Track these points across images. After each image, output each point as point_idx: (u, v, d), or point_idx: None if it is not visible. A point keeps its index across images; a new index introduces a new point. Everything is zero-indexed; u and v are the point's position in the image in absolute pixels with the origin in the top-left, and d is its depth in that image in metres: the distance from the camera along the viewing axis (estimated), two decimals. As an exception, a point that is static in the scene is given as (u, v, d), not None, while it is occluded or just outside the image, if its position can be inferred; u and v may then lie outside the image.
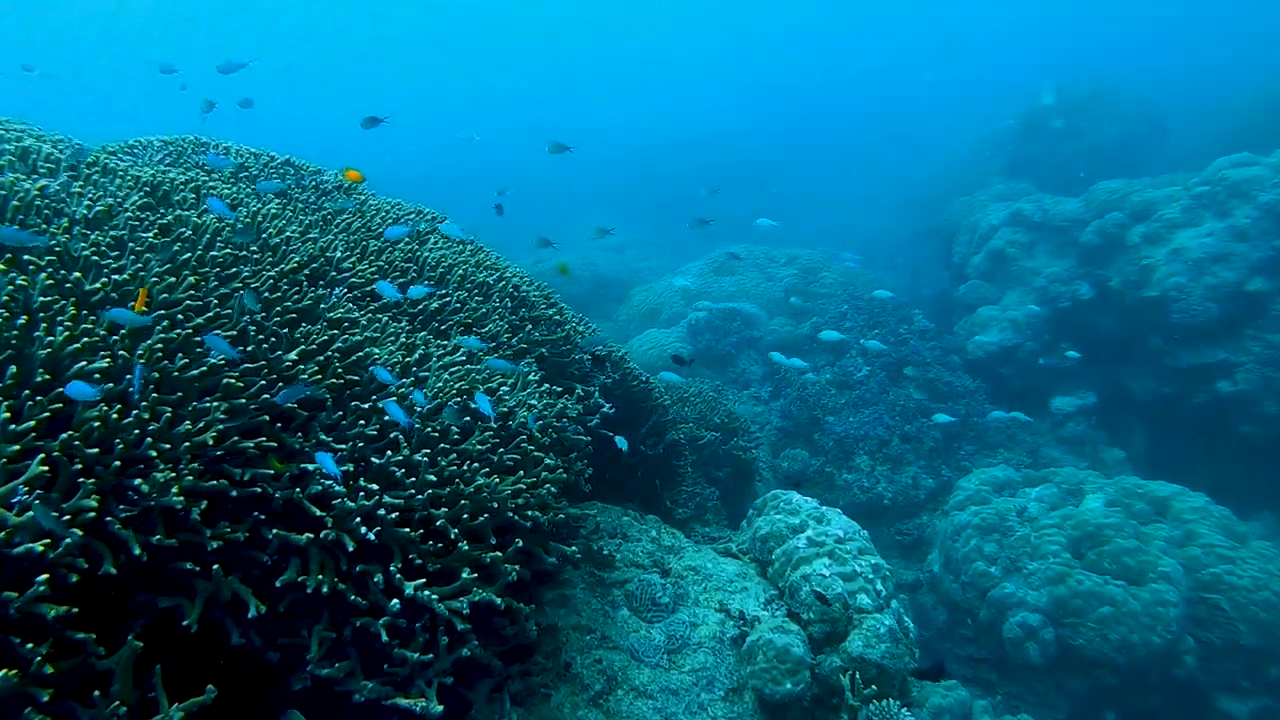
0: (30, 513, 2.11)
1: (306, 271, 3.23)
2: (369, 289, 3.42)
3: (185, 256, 2.88)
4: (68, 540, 2.14)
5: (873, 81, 38.36)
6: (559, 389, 3.78)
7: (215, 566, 2.47)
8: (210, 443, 2.49)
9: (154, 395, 2.47)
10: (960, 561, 7.14)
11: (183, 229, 3.03)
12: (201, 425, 2.51)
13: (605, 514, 4.75)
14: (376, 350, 3.13)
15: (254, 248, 3.13)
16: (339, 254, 3.44)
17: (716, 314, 11.94)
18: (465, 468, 3.00)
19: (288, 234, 3.37)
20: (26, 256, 2.58)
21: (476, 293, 3.82)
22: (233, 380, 2.64)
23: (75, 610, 2.14)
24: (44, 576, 2.08)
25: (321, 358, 2.94)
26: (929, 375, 10.59)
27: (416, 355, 3.22)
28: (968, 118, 21.31)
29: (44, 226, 2.74)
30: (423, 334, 3.39)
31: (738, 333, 11.80)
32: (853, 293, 12.68)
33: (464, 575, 2.81)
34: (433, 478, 2.89)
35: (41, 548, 2.10)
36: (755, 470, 8.00)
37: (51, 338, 2.37)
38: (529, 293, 4.25)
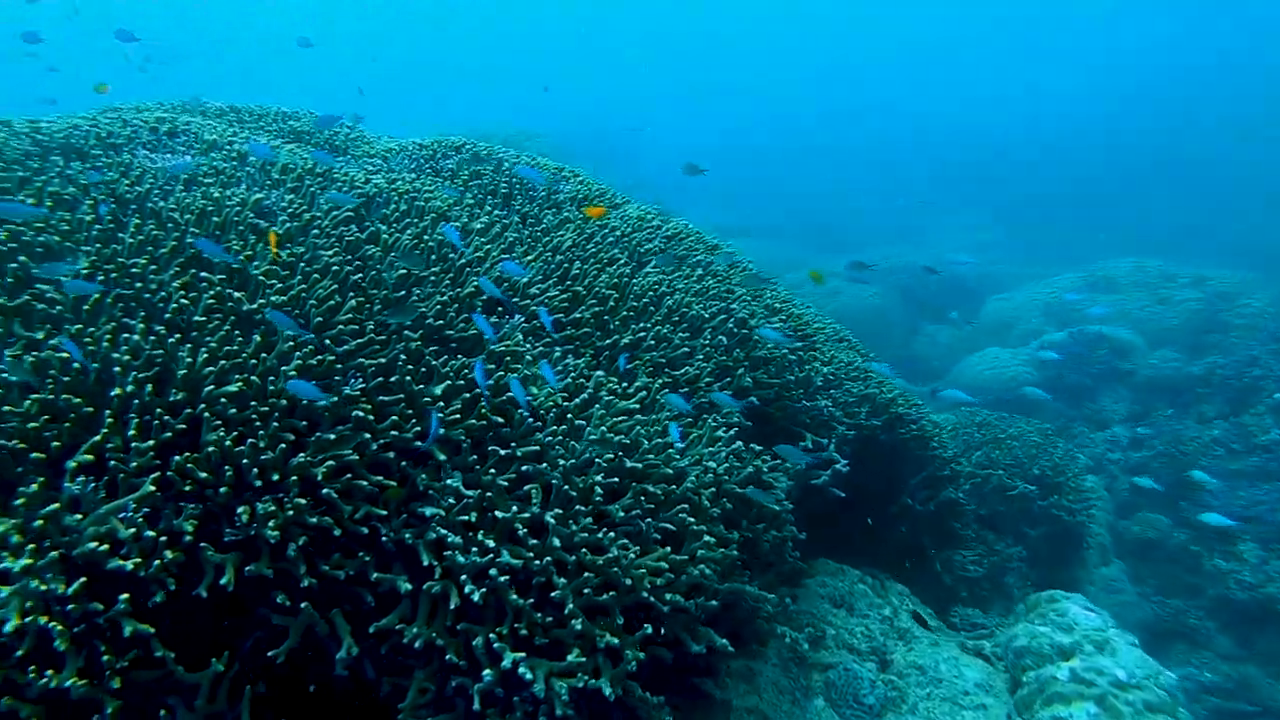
0: (131, 529, 2.20)
1: (485, 297, 3.09)
2: (552, 318, 3.21)
3: (356, 278, 2.86)
4: (157, 561, 2.20)
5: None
6: (754, 447, 3.28)
7: (304, 604, 2.42)
8: (320, 478, 2.43)
9: (278, 422, 2.47)
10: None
11: (370, 247, 3.03)
12: (319, 458, 2.47)
13: (839, 576, 4.15)
14: (535, 390, 2.90)
15: (436, 268, 3.06)
16: (529, 277, 3.27)
17: (1079, 337, 10.25)
18: (602, 535, 2.66)
19: (480, 254, 3.27)
20: (203, 273, 2.73)
21: (683, 327, 3.44)
22: (364, 412, 2.57)
23: (152, 630, 2.19)
24: (124, 596, 2.15)
25: (469, 395, 2.78)
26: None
27: (580, 399, 2.94)
28: None
29: (236, 243, 2.88)
30: (599, 374, 3.10)
31: (1103, 362, 10.03)
32: (1280, 332, 10.13)
33: (570, 657, 2.49)
34: (558, 542, 2.60)
35: (131, 566, 2.17)
36: (1083, 534, 6.69)
37: (191, 359, 2.45)
38: (761, 330, 3.76)
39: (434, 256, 3.16)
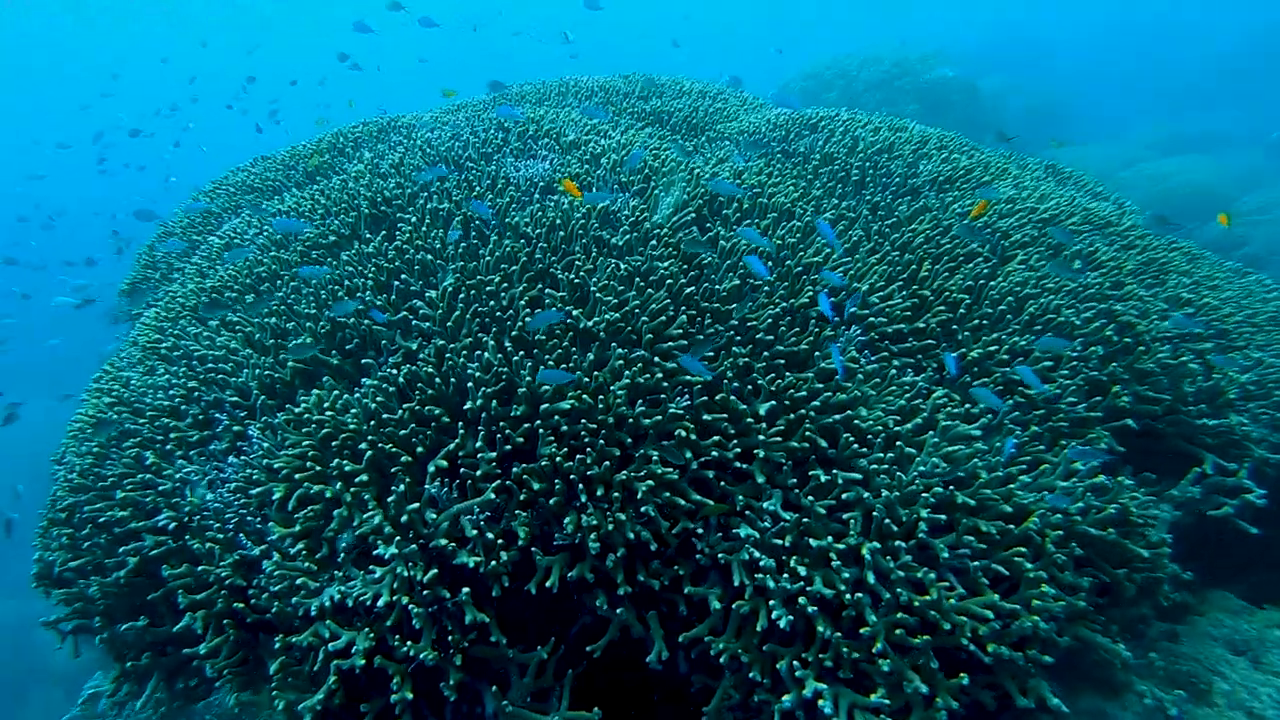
0: (475, 530, 2.53)
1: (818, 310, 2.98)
2: (893, 329, 3.00)
3: (689, 291, 2.92)
4: (494, 561, 2.51)
5: None
6: (1123, 480, 2.82)
7: (619, 610, 2.59)
8: (641, 494, 2.56)
9: (605, 438, 2.64)
10: None
11: (707, 253, 3.07)
12: (643, 473, 2.61)
13: (1243, 616, 3.47)
14: (864, 412, 2.76)
15: (770, 277, 3.01)
16: (869, 283, 3.07)
17: None
18: (922, 574, 2.50)
19: (819, 257, 3.14)
20: (548, 289, 2.96)
21: (1049, 336, 3.01)
22: (686, 431, 2.65)
23: (487, 619, 2.51)
24: (467, 590, 2.48)
25: (793, 415, 2.73)
26: None
27: (914, 423, 2.75)
28: None
29: (580, 257, 3.08)
30: (940, 391, 2.86)
31: None
32: None
33: (875, 696, 2.41)
34: (873, 577, 2.49)
35: (474, 563, 2.50)
36: None
37: (531, 376, 2.70)
38: (1150, 332, 3.20)
39: (770, 263, 3.11)
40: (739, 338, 2.87)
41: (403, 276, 3.04)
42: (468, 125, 4.07)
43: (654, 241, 3.11)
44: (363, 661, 2.48)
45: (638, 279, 2.94)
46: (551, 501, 2.58)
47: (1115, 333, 3.11)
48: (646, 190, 3.44)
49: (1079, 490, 2.73)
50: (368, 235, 3.32)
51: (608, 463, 2.59)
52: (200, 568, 2.70)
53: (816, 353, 2.88)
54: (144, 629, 2.87)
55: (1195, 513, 3.15)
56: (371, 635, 2.48)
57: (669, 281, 2.94)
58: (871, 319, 2.98)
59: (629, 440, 2.68)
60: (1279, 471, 3.42)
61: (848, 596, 2.49)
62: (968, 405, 2.86)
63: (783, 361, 2.87)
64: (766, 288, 3.00)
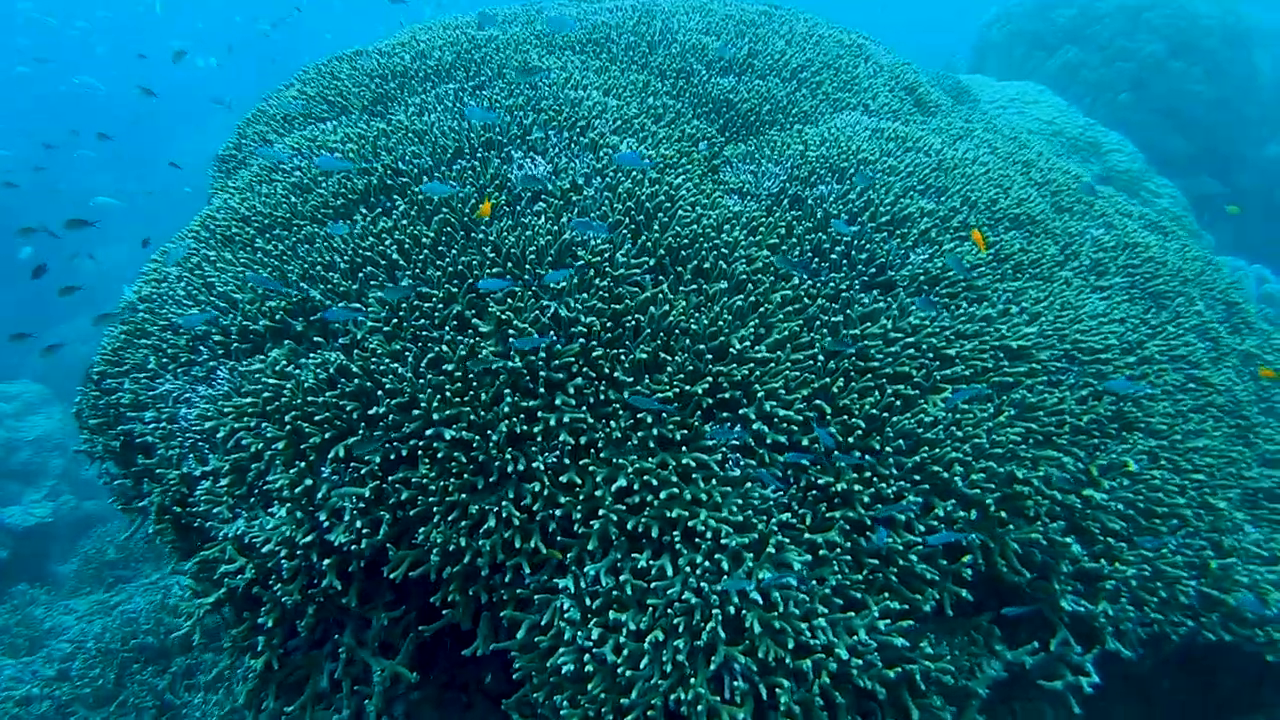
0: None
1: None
2: (772, 440, 3.18)
3: (597, 355, 3.20)
4: (355, 546, 3.06)
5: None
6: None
7: (447, 611, 3.12)
8: (487, 525, 3.01)
9: (474, 469, 3.07)
10: None
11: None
12: (493, 509, 3.04)
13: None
14: (703, 514, 3.04)
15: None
16: (775, 397, 3.23)
17: None
18: (691, 674, 2.87)
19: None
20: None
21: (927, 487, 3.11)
22: (543, 482, 3.03)
23: (339, 585, 3.10)
24: (330, 559, 3.07)
25: (637, 499, 3.05)
26: None
27: (746, 538, 3.01)
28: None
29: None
30: (784, 517, 3.08)
31: None
32: None
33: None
34: (646, 660, 2.88)
35: (341, 540, 3.06)
36: None
37: (428, 403, 3.12)
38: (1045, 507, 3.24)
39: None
40: (623, 411, 3.15)
41: (368, 269, 3.45)
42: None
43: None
44: (244, 583, 3.16)
45: (557, 330, 3.24)
46: (413, 512, 3.07)
47: (998, 503, 3.18)
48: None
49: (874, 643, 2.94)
50: (363, 211, 3.71)
51: (465, 494, 3.04)
52: (158, 470, 3.41)
53: (693, 441, 3.14)
54: (131, 488, 3.67)
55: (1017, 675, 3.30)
56: (253, 570, 3.13)
57: (583, 340, 3.23)
58: (759, 427, 3.18)
59: (494, 478, 3.09)
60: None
61: (622, 670, 2.89)
62: (814, 535, 3.07)
63: (653, 442, 3.15)
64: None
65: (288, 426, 3.15)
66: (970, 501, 3.18)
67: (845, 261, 3.68)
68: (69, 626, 7.50)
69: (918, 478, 3.17)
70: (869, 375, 3.35)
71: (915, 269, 3.71)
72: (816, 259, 3.68)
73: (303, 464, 3.11)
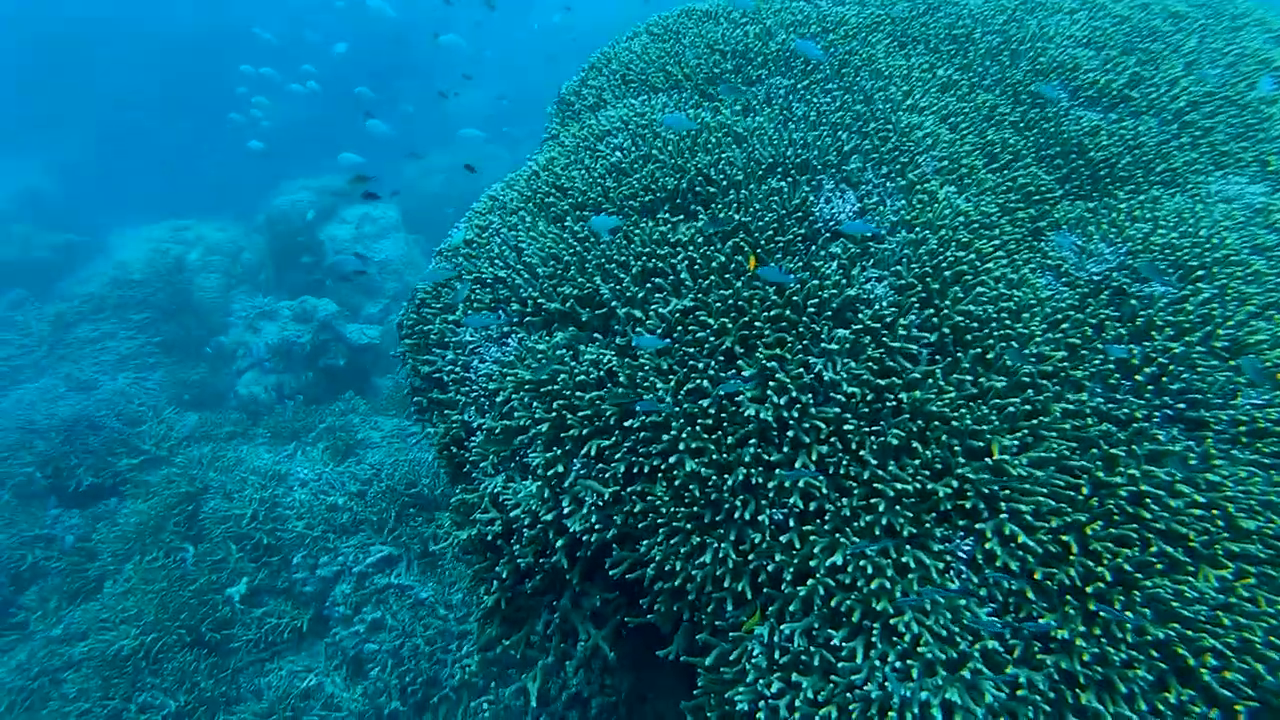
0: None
1: None
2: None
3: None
4: (587, 536, 3.38)
5: None
6: None
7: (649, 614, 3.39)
8: (694, 576, 3.21)
9: (705, 504, 3.24)
10: None
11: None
12: (713, 555, 3.22)
13: None
14: (882, 604, 3.04)
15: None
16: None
17: None
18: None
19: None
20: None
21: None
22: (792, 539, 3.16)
23: (566, 563, 3.44)
24: (564, 540, 3.41)
25: (828, 581, 3.09)
26: None
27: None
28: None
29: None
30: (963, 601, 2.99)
31: None
32: None
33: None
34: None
35: (577, 528, 3.39)
36: None
37: (678, 433, 3.28)
38: None
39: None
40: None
41: (655, 280, 3.61)
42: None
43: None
44: (492, 534, 3.62)
45: (817, 390, 3.26)
46: (641, 525, 3.32)
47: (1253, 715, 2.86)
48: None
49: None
50: (667, 213, 3.83)
51: (690, 524, 3.23)
52: (445, 410, 3.92)
53: (921, 539, 3.10)
54: (426, 406, 4.26)
55: None
56: (500, 525, 3.57)
57: (838, 409, 3.23)
58: (993, 546, 3.06)
59: (720, 516, 3.25)
60: None
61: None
62: (1018, 670, 2.97)
63: (879, 529, 3.14)
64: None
65: (553, 413, 3.47)
66: (1216, 699, 2.90)
67: (1154, 386, 3.32)
68: (375, 443, 8.85)
69: (1155, 654, 2.93)
70: (1135, 523, 3.07)
71: (1240, 413, 3.27)
72: (1119, 374, 3.35)
73: (559, 450, 3.44)
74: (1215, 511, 3.08)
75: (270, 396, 10.74)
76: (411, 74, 24.39)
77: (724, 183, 3.83)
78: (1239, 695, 2.87)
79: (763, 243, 3.56)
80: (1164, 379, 3.31)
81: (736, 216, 3.65)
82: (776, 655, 3.11)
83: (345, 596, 6.85)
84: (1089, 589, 3.00)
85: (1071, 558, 3.04)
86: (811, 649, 3.06)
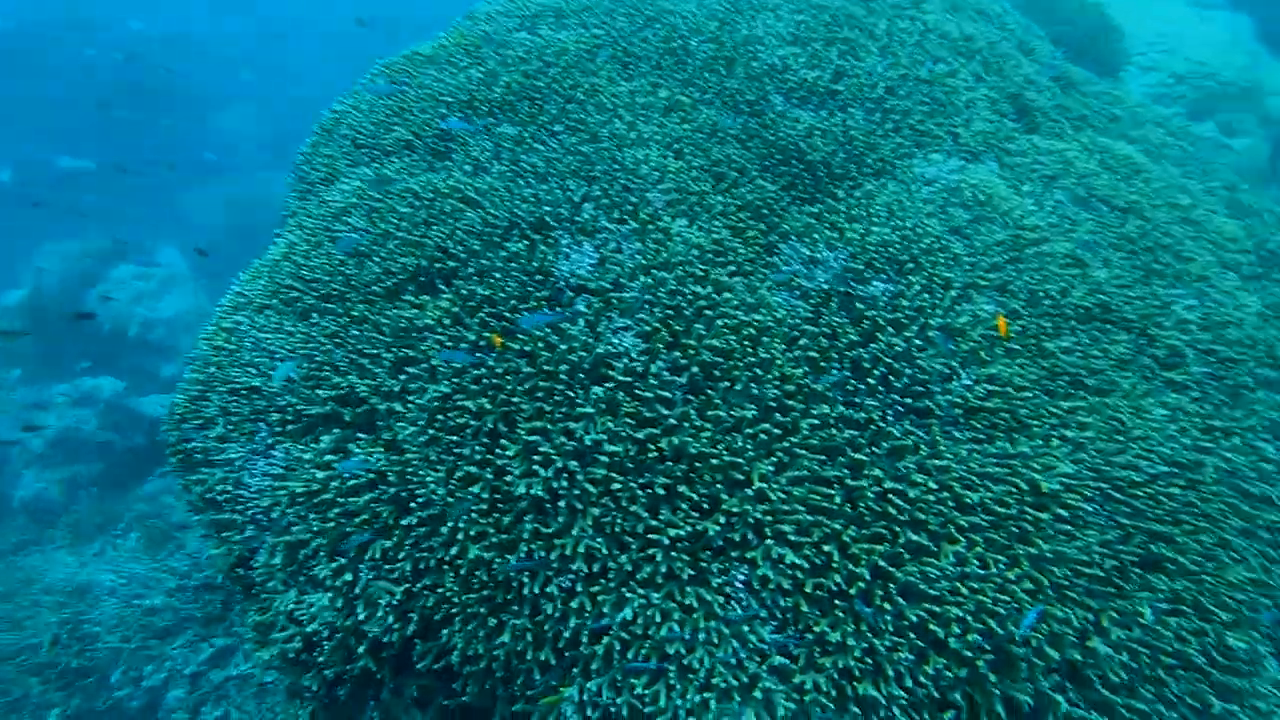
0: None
1: None
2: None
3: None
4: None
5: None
6: None
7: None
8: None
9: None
10: None
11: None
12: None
13: None
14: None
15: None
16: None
17: None
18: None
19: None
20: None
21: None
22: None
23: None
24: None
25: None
26: None
27: None
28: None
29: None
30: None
31: None
32: None
33: None
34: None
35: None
36: None
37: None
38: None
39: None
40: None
41: (409, 369, 3.61)
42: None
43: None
44: (294, 650, 3.58)
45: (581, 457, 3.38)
46: (437, 617, 3.37)
47: (991, 666, 3.25)
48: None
49: None
50: (410, 294, 3.83)
51: (484, 608, 3.31)
52: (224, 533, 3.81)
53: (700, 579, 3.29)
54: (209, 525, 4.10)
55: None
56: (300, 640, 3.54)
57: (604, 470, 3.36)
58: (765, 571, 3.30)
59: (511, 595, 3.34)
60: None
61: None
62: (803, 676, 3.24)
63: (660, 577, 3.32)
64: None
65: (330, 523, 3.44)
66: (963, 660, 3.27)
67: (883, 386, 3.63)
68: (195, 524, 8.30)
69: (914, 635, 3.27)
70: (884, 520, 3.39)
71: (955, 396, 3.63)
72: (853, 380, 3.64)
73: (343, 560, 3.42)
74: (946, 493, 3.44)
75: (61, 492, 9.90)
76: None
77: (462, 254, 3.83)
78: (979, 653, 3.26)
79: (507, 315, 3.61)
80: (890, 377, 3.64)
81: (480, 290, 3.68)
82: (589, 711, 3.26)
83: (180, 701, 6.55)
84: (852, 590, 3.30)
85: (834, 564, 3.32)
86: (618, 700, 3.22)
